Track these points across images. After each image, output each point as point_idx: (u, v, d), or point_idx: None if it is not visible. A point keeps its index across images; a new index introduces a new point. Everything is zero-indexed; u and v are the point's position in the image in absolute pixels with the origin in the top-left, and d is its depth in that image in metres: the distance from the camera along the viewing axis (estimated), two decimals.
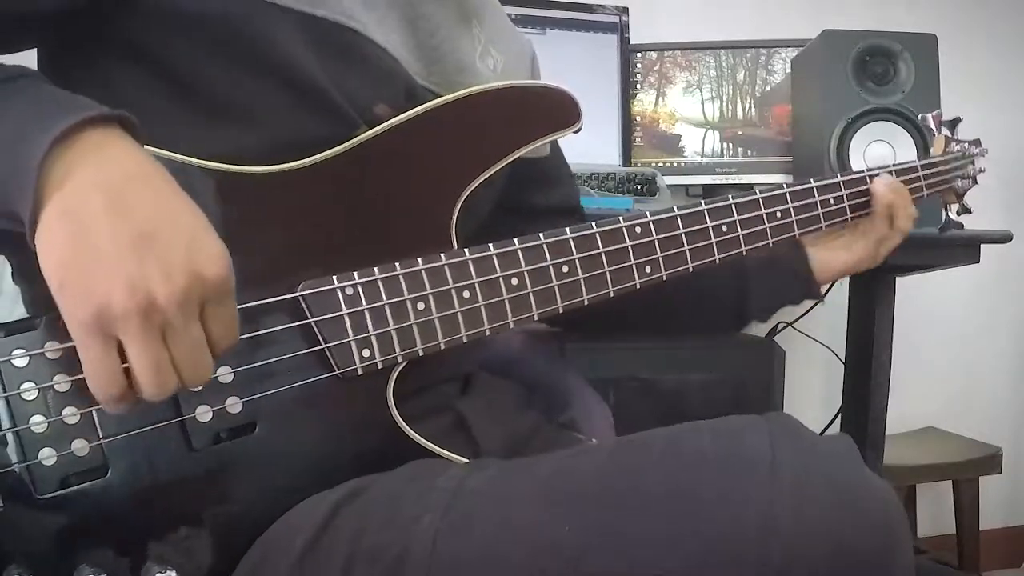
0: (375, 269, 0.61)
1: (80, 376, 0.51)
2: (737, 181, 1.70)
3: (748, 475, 0.49)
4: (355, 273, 0.61)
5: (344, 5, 0.65)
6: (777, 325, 1.77)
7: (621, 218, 0.72)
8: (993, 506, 2.02)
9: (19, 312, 0.52)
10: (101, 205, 0.46)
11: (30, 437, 0.51)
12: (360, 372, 0.61)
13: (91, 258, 0.45)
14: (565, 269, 0.69)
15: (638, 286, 0.73)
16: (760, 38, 1.72)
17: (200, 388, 0.55)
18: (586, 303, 0.70)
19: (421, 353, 0.63)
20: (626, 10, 1.68)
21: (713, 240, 0.77)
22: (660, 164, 1.70)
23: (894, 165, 0.92)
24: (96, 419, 0.53)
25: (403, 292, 0.62)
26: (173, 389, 0.47)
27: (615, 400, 1.25)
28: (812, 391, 1.97)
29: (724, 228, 0.78)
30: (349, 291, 0.60)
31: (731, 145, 1.72)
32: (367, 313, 0.61)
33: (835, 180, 0.86)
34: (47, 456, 0.51)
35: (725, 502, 0.49)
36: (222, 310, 0.49)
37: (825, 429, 1.77)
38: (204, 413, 0.56)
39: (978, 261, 1.35)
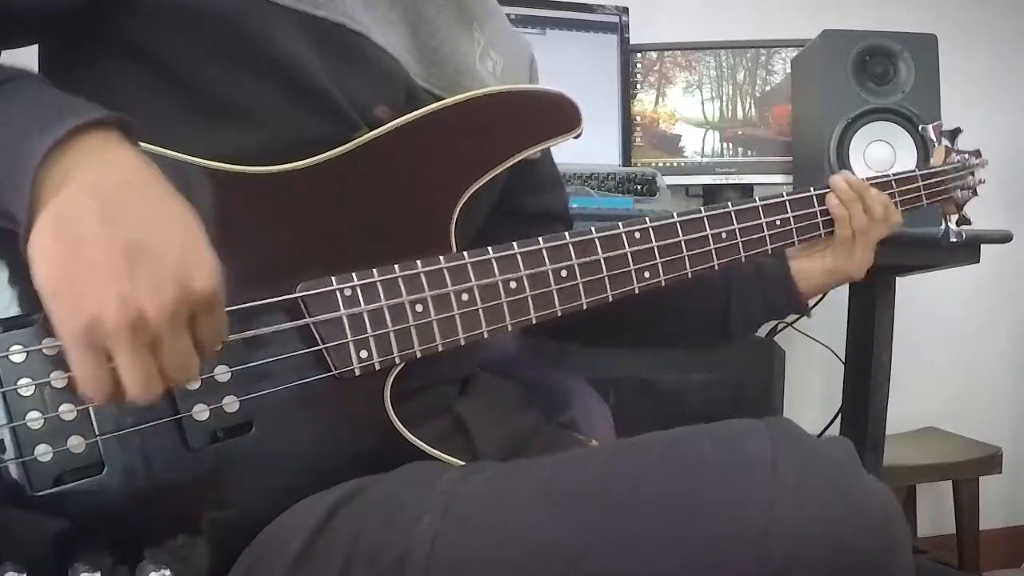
0: (374, 271, 0.61)
1: None
2: (737, 181, 1.70)
3: (748, 476, 0.49)
4: (354, 274, 0.61)
5: (346, 6, 0.65)
6: (777, 325, 1.77)
7: (620, 224, 0.72)
8: (993, 506, 2.02)
9: (17, 308, 0.52)
10: (95, 214, 0.46)
11: (26, 433, 0.51)
12: (357, 373, 0.61)
13: (83, 270, 0.45)
14: (564, 273, 0.69)
15: (636, 291, 0.73)
16: (760, 38, 1.72)
17: (196, 386, 0.55)
18: (584, 307, 0.70)
19: (419, 355, 0.63)
20: (626, 10, 1.68)
21: (712, 247, 0.77)
22: (660, 164, 1.70)
23: (894, 175, 0.92)
24: (92, 416, 0.53)
25: (401, 294, 0.62)
26: (160, 393, 0.48)
27: (615, 400, 1.25)
28: (812, 391, 1.97)
29: (723, 235, 0.78)
30: (348, 292, 0.60)
31: (731, 145, 1.72)
32: (365, 314, 0.61)
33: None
34: (43, 452, 0.51)
35: (725, 503, 0.48)
36: (211, 319, 0.49)
37: (825, 429, 1.77)
38: (201, 412, 0.55)
39: (978, 261, 1.35)
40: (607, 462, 0.55)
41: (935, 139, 1.03)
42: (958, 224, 1.03)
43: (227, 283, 0.50)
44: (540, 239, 0.68)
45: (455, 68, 0.74)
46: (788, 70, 1.66)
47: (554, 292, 0.68)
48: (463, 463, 0.64)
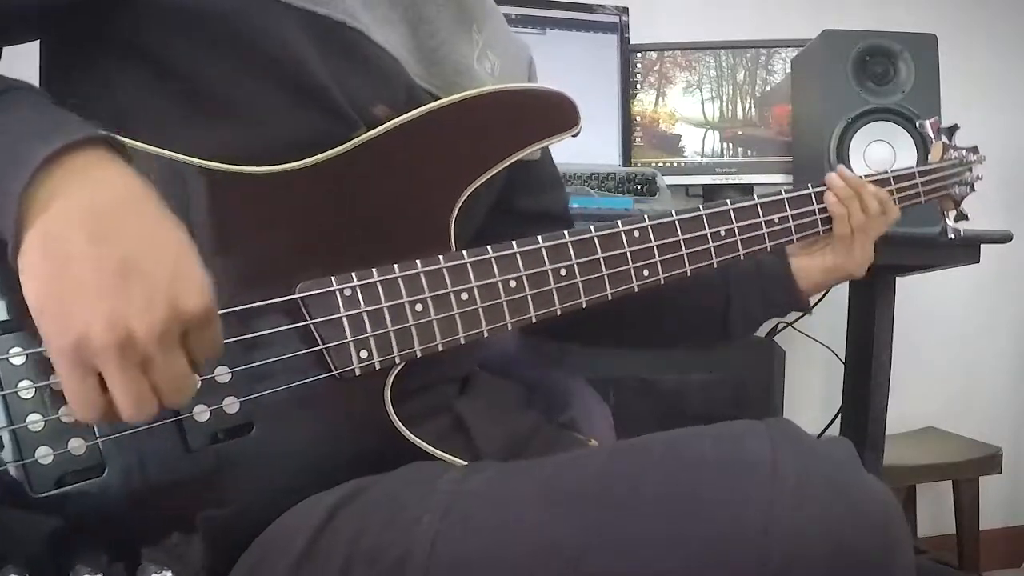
0: (373, 271, 0.61)
1: None
2: (737, 181, 1.70)
3: (748, 477, 0.49)
4: (353, 274, 0.61)
5: (346, 4, 0.65)
6: (777, 325, 1.77)
7: (619, 222, 0.72)
8: (993, 506, 2.02)
9: (16, 311, 0.52)
10: (84, 233, 0.45)
11: (27, 435, 0.51)
12: (358, 373, 0.61)
13: (71, 288, 0.44)
14: (563, 272, 0.69)
15: (636, 290, 0.73)
16: (760, 38, 1.72)
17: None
18: (584, 306, 0.70)
19: (419, 354, 0.63)
20: (626, 10, 1.68)
21: (711, 244, 0.77)
22: (660, 164, 1.70)
23: (892, 172, 0.92)
24: None
25: (401, 294, 0.62)
26: (154, 413, 0.47)
27: (615, 400, 1.25)
28: (812, 391, 1.97)
29: (722, 233, 0.78)
30: (347, 292, 0.60)
31: (731, 145, 1.72)
32: (365, 314, 0.61)
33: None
34: (43, 455, 0.51)
35: (725, 503, 0.48)
36: (204, 336, 0.49)
37: (825, 429, 1.77)
38: (201, 413, 0.55)
39: (978, 261, 1.35)
40: (607, 462, 0.55)
41: (932, 135, 1.03)
42: (956, 220, 1.03)
43: (226, 284, 0.49)
44: (539, 238, 0.68)
45: (454, 68, 0.74)
46: (788, 70, 1.66)
47: (554, 291, 0.68)
48: (464, 462, 0.64)
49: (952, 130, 1.03)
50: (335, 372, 0.60)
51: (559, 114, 0.71)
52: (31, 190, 0.46)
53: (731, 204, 0.79)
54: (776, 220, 0.82)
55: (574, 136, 0.72)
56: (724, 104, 1.72)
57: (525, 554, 0.51)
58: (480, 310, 0.65)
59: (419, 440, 0.63)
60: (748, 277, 0.90)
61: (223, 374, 0.56)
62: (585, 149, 1.52)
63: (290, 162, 0.61)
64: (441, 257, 0.64)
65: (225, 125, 0.61)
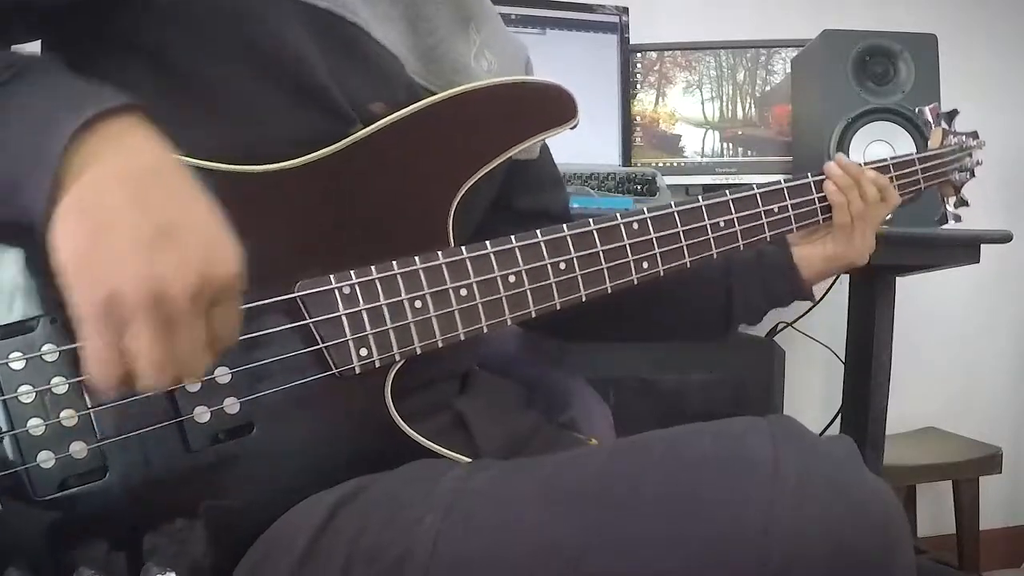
0: (372, 268, 0.61)
1: (78, 378, 0.51)
2: (737, 181, 1.70)
3: (749, 476, 0.49)
4: (352, 272, 0.61)
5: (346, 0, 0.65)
6: (777, 325, 1.77)
7: (618, 214, 0.72)
8: (993, 506, 2.02)
9: (16, 314, 0.52)
10: (122, 198, 0.46)
11: (28, 440, 0.51)
12: (358, 371, 0.60)
13: (108, 246, 0.45)
14: (563, 266, 0.69)
15: (635, 282, 0.73)
16: (760, 38, 1.72)
17: (196, 388, 0.55)
18: (584, 300, 0.70)
19: (419, 351, 0.63)
20: (626, 10, 1.68)
21: (711, 235, 0.77)
22: (660, 164, 1.70)
23: (892, 158, 0.92)
24: (94, 421, 0.52)
25: (400, 291, 0.62)
26: (169, 383, 0.47)
27: (615, 400, 1.25)
28: (812, 391, 1.97)
29: (721, 224, 0.77)
30: (346, 290, 0.60)
31: (731, 145, 1.72)
32: (364, 312, 0.61)
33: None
34: (45, 459, 0.51)
35: (725, 503, 0.48)
36: (228, 311, 0.49)
37: (825, 429, 1.77)
38: (202, 414, 0.55)
39: (978, 261, 1.35)
40: (607, 462, 0.55)
41: (931, 121, 1.02)
42: (956, 206, 1.02)
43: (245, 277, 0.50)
44: (538, 232, 0.68)
45: (452, 66, 0.74)
46: (788, 70, 1.66)
47: (553, 285, 0.68)
48: (466, 458, 0.63)
49: (952, 115, 1.02)
50: (335, 371, 0.60)
51: (556, 107, 0.71)
52: (65, 159, 0.46)
53: (730, 195, 0.79)
54: (775, 210, 0.82)
55: (572, 128, 0.72)
56: (724, 104, 1.72)
57: (525, 554, 0.51)
58: (479, 306, 0.65)
59: (421, 437, 0.63)
60: (749, 267, 0.89)
61: (223, 375, 0.56)
62: (585, 149, 1.53)
63: (287, 160, 0.60)
64: (440, 253, 0.64)
65: (225, 124, 0.61)
